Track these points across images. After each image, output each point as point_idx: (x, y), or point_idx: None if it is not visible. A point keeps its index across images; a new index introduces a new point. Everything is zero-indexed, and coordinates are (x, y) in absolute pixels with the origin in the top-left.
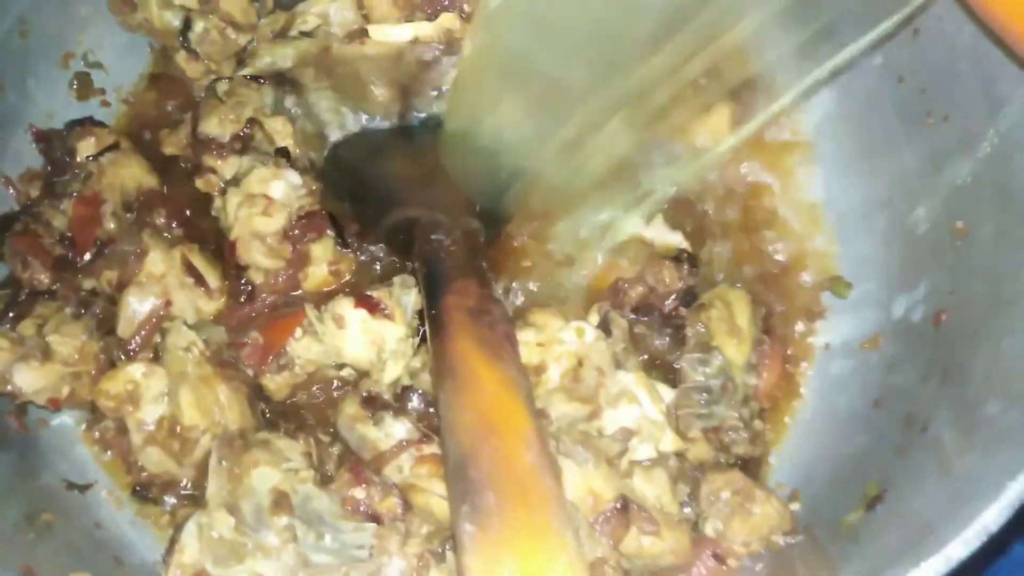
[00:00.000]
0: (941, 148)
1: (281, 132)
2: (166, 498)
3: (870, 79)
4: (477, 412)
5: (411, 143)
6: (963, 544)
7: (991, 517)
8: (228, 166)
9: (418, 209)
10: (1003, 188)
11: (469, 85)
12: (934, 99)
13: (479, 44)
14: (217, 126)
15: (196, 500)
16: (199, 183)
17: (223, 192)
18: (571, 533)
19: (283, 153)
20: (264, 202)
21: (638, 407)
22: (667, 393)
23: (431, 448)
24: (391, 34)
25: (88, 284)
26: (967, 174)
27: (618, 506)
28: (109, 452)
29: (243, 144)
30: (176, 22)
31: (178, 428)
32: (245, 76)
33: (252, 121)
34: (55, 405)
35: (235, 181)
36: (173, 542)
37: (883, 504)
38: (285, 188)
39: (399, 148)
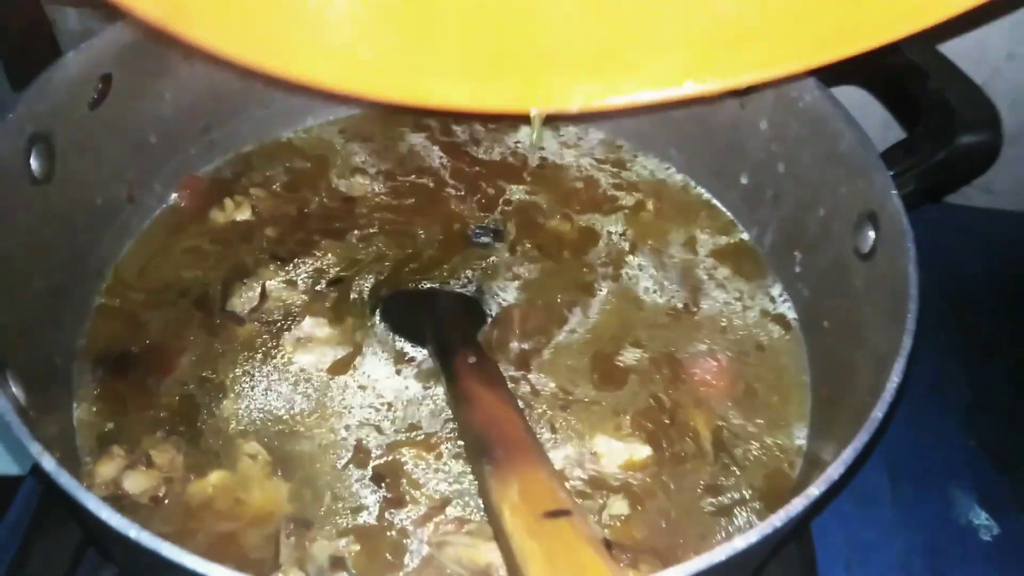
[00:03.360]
0: None
1: None
2: None
3: None
4: (484, 414)
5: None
6: (842, 464)
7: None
8: None
9: (427, 317)
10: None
11: None
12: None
13: None
14: None
15: None
16: None
17: None
18: (551, 466)
19: None
20: None
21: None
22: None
23: (453, 511)
24: None
25: None
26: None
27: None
28: None
29: None
30: None
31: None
32: None
33: None
34: (156, 502)
35: None
36: None
37: None
38: None
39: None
